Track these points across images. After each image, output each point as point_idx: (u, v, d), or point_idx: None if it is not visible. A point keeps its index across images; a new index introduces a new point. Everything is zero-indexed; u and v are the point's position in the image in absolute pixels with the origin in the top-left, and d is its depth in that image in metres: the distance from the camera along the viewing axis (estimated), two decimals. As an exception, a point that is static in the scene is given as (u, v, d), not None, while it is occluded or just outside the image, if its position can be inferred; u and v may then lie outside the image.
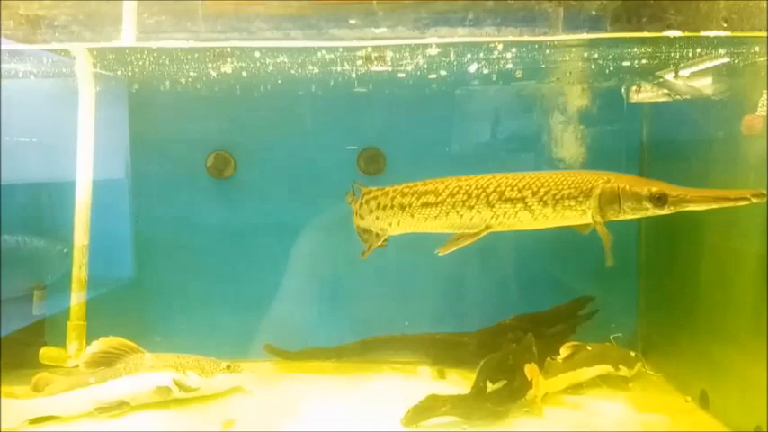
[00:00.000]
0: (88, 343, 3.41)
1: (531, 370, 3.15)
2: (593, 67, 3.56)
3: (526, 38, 2.98)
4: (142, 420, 3.22)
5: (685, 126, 3.70)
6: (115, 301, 3.91)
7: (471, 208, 2.71)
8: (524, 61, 3.35)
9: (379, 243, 2.99)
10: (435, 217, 2.78)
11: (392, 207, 2.87)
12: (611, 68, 3.56)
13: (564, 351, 3.42)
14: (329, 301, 4.15)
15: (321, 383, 3.75)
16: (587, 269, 4.01)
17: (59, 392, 3.22)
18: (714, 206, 2.47)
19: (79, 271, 3.53)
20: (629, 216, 2.57)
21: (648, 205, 2.50)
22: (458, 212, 2.74)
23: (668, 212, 2.52)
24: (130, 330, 3.54)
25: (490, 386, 3.25)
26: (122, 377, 3.31)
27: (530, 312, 3.87)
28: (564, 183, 2.60)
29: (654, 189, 2.49)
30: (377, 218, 2.94)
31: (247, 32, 2.70)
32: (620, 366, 3.55)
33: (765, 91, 2.89)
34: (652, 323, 4.01)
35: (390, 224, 2.91)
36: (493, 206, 2.68)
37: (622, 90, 4.08)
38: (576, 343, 3.50)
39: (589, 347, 3.50)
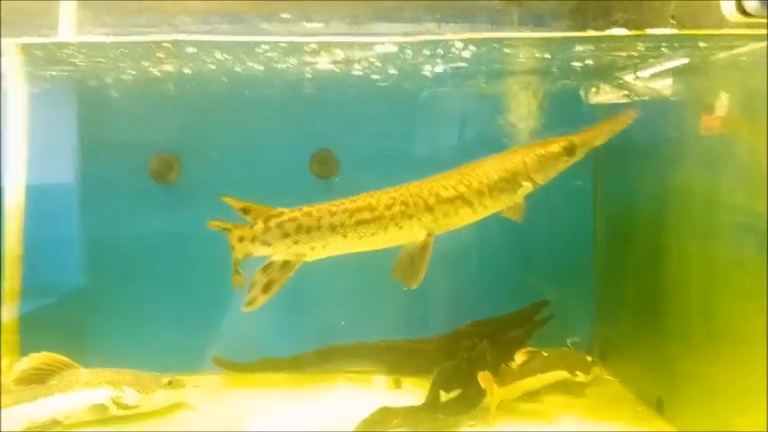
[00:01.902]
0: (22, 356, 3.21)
1: (484, 378, 3.05)
2: (548, 66, 3.51)
3: (485, 34, 2.91)
4: (77, 440, 3.03)
5: (641, 126, 3.66)
6: (54, 312, 3.72)
7: (411, 217, 2.63)
8: (480, 60, 3.28)
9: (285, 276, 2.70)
10: (372, 234, 2.64)
11: (319, 229, 2.64)
12: (565, 68, 3.51)
13: (519, 357, 3.34)
14: (283, 311, 3.96)
15: (272, 397, 3.60)
16: (544, 274, 3.97)
17: (-14, 412, 3.01)
18: (611, 135, 2.79)
19: (11, 282, 3.32)
20: (554, 175, 2.77)
21: (566, 158, 2.74)
22: (397, 224, 2.64)
23: (581, 157, 2.77)
24: (69, 344, 3.35)
25: (444, 396, 3.16)
26: (55, 395, 3.11)
27: (486, 318, 3.78)
28: (492, 168, 2.70)
29: (563, 143, 2.74)
30: (295, 242, 2.66)
31: (172, 26, 2.55)
32: (577, 372, 3.48)
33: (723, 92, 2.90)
34: (609, 327, 3.97)
35: (314, 248, 2.67)
36: (433, 210, 2.63)
37: (579, 91, 4.05)
38: (531, 349, 3.43)
39: (545, 353, 3.43)
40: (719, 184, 2.86)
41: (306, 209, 2.69)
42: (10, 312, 3.34)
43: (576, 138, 2.75)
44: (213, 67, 2.88)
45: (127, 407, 3.19)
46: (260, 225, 2.68)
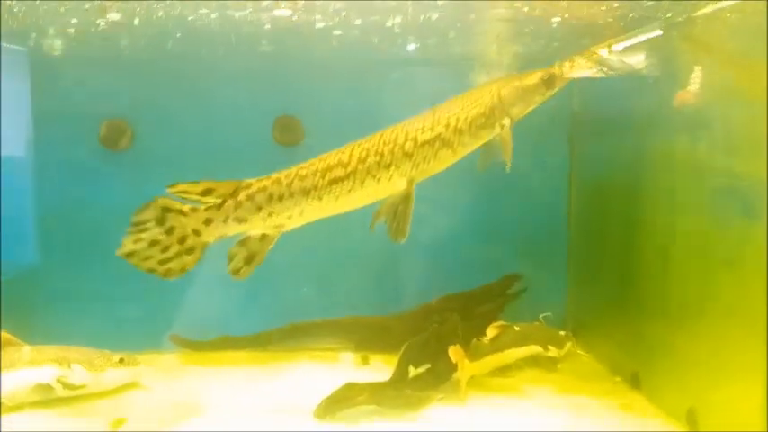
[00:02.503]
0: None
1: (455, 352, 2.93)
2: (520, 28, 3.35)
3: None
4: (19, 422, 2.82)
5: (617, 98, 3.55)
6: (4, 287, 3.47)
7: (388, 166, 2.48)
8: (448, 25, 3.11)
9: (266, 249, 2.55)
10: (349, 191, 2.49)
11: (291, 196, 2.49)
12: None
13: (491, 332, 3.22)
14: (244, 287, 3.78)
15: (231, 376, 3.44)
16: (516, 248, 3.86)
17: None
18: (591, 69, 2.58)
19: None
20: (532, 108, 2.61)
21: (543, 90, 2.56)
22: (374, 177, 2.49)
23: (560, 87, 2.58)
24: (16, 323, 3.12)
25: (413, 371, 3.03)
26: (-5, 374, 2.89)
27: (457, 292, 3.65)
28: (469, 105, 2.54)
29: (540, 74, 2.56)
30: (270, 214, 2.51)
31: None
32: (550, 347, 3.39)
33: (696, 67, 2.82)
34: (582, 302, 3.89)
35: (290, 216, 2.52)
36: (411, 155, 2.49)
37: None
38: (503, 323, 3.30)
39: (517, 327, 3.32)
40: (697, 149, 2.77)
41: (274, 176, 2.54)
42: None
43: (555, 68, 2.57)
44: (161, 14, 2.64)
45: (74, 387, 2.99)
46: (229, 202, 2.50)
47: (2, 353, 2.96)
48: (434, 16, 2.93)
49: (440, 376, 3.01)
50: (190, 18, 2.72)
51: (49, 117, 3.64)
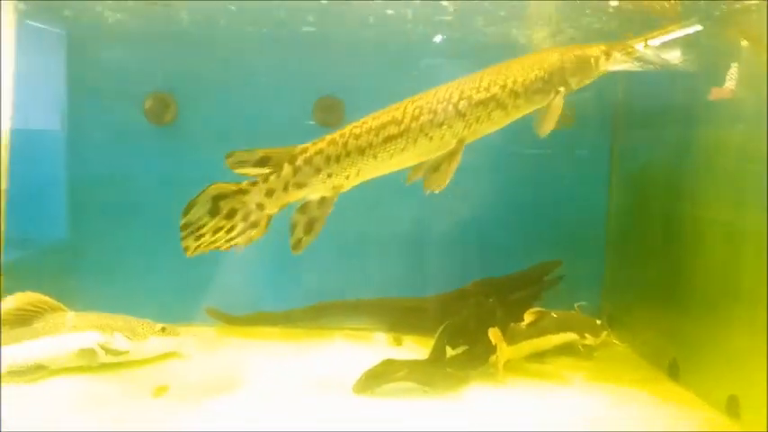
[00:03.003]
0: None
1: (494, 334, 2.94)
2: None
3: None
4: (62, 386, 2.87)
5: (663, 88, 3.51)
6: (42, 259, 3.54)
7: (441, 125, 2.46)
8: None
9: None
10: (402, 149, 2.47)
11: (348, 155, 2.49)
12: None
13: (528, 317, 3.21)
14: (279, 264, 3.83)
15: (267, 349, 3.47)
16: (553, 234, 3.84)
17: (-34, 353, 2.84)
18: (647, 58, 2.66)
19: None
20: (587, 81, 2.59)
21: (603, 62, 2.56)
22: (427, 135, 2.46)
23: (620, 64, 2.60)
24: (58, 292, 3.15)
25: (450, 351, 3.05)
26: (40, 338, 2.95)
27: (493, 277, 3.64)
28: (528, 67, 2.51)
29: (602, 47, 2.57)
30: (329, 175, 2.51)
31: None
32: (586, 334, 3.38)
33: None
34: (619, 292, 3.87)
35: (348, 176, 2.52)
36: (464, 115, 2.45)
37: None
38: (540, 309, 3.29)
39: (554, 314, 3.30)
40: (744, 140, 2.74)
41: (328, 138, 2.53)
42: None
43: (617, 45, 2.57)
44: None
45: (116, 352, 3.04)
46: (287, 168, 2.51)
47: (46, 318, 3.01)
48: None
49: (477, 358, 3.02)
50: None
51: (93, 91, 3.68)
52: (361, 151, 2.49)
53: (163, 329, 3.16)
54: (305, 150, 2.53)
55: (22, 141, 3.29)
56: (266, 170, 2.51)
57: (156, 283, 3.72)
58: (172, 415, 2.63)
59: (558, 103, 2.51)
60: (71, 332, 3.00)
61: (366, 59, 3.68)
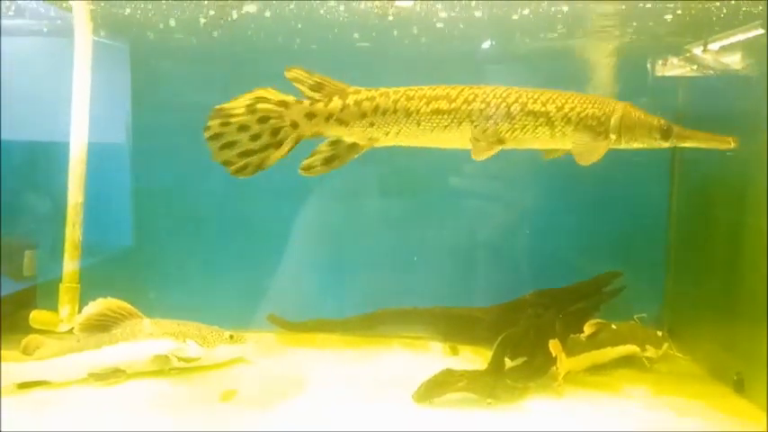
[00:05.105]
0: (81, 307, 3.20)
1: (555, 346, 2.95)
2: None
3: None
4: (138, 389, 3.04)
5: (724, 96, 3.45)
6: (112, 266, 3.72)
7: (488, 118, 2.48)
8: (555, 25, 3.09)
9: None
10: (445, 127, 2.50)
11: (394, 112, 2.51)
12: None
13: (588, 329, 3.21)
14: (337, 272, 3.95)
15: (327, 356, 3.57)
16: (614, 245, 3.81)
17: (51, 356, 3.04)
18: (705, 145, 2.65)
19: (72, 230, 3.31)
20: (635, 145, 2.62)
21: (657, 136, 2.59)
22: (472, 122, 2.49)
23: (667, 145, 2.62)
24: (127, 298, 3.32)
25: (508, 362, 3.06)
26: (119, 343, 3.12)
27: (552, 288, 3.64)
28: (587, 102, 2.55)
29: (662, 121, 2.60)
30: (371, 124, 2.52)
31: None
32: (647, 347, 3.34)
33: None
34: (680, 303, 3.80)
35: (387, 133, 2.53)
36: (513, 118, 2.49)
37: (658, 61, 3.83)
38: (600, 321, 3.28)
39: (614, 326, 3.29)
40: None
41: (382, 89, 2.56)
42: (71, 260, 3.33)
43: (675, 126, 2.60)
44: (292, 7, 2.71)
45: (188, 359, 3.19)
46: (337, 101, 2.54)
47: (124, 324, 3.18)
48: (564, 9, 2.90)
49: (537, 370, 3.03)
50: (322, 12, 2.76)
51: (152, 106, 3.82)
52: (408, 114, 2.51)
53: (231, 337, 3.30)
54: (358, 92, 2.57)
55: (104, 153, 3.48)
56: (317, 96, 2.55)
57: (218, 289, 3.87)
58: (239, 419, 2.75)
59: (602, 146, 2.54)
60: (147, 339, 3.16)
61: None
